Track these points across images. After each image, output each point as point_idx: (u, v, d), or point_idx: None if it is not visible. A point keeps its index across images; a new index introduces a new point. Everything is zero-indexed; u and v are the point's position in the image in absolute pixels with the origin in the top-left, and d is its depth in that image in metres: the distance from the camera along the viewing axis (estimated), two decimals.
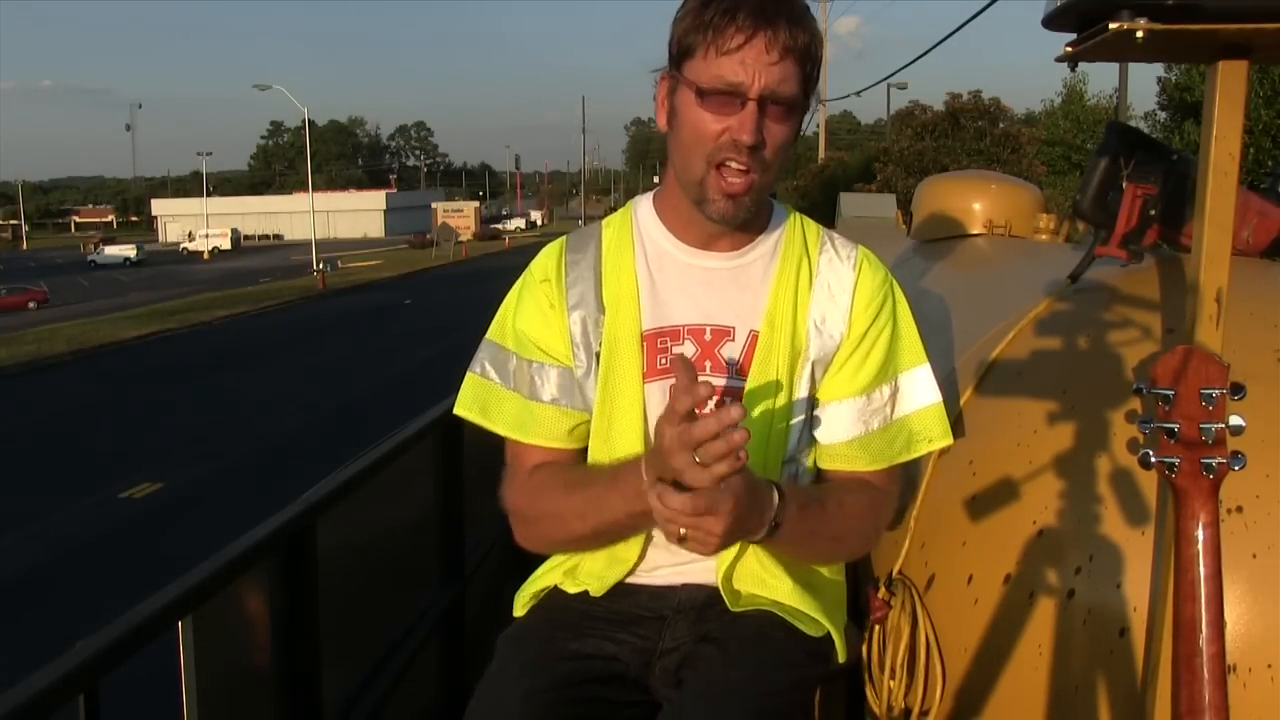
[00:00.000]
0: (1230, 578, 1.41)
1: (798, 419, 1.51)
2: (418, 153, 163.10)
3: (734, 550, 1.48)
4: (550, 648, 1.48)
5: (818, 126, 34.45)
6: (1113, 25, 1.28)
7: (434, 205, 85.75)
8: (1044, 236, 2.87)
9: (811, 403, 1.52)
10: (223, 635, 1.65)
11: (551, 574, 1.60)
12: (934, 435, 1.57)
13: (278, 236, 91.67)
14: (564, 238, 1.61)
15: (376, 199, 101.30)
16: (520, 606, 1.61)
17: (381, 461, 2.24)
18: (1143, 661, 1.60)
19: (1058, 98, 29.16)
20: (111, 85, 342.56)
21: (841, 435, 1.53)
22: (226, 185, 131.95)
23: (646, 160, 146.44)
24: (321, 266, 45.92)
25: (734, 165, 1.39)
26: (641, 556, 1.52)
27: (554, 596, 1.58)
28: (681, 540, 1.23)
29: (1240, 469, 1.32)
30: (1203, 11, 1.27)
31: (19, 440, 15.97)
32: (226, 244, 75.99)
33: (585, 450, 1.55)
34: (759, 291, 1.51)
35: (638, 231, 1.55)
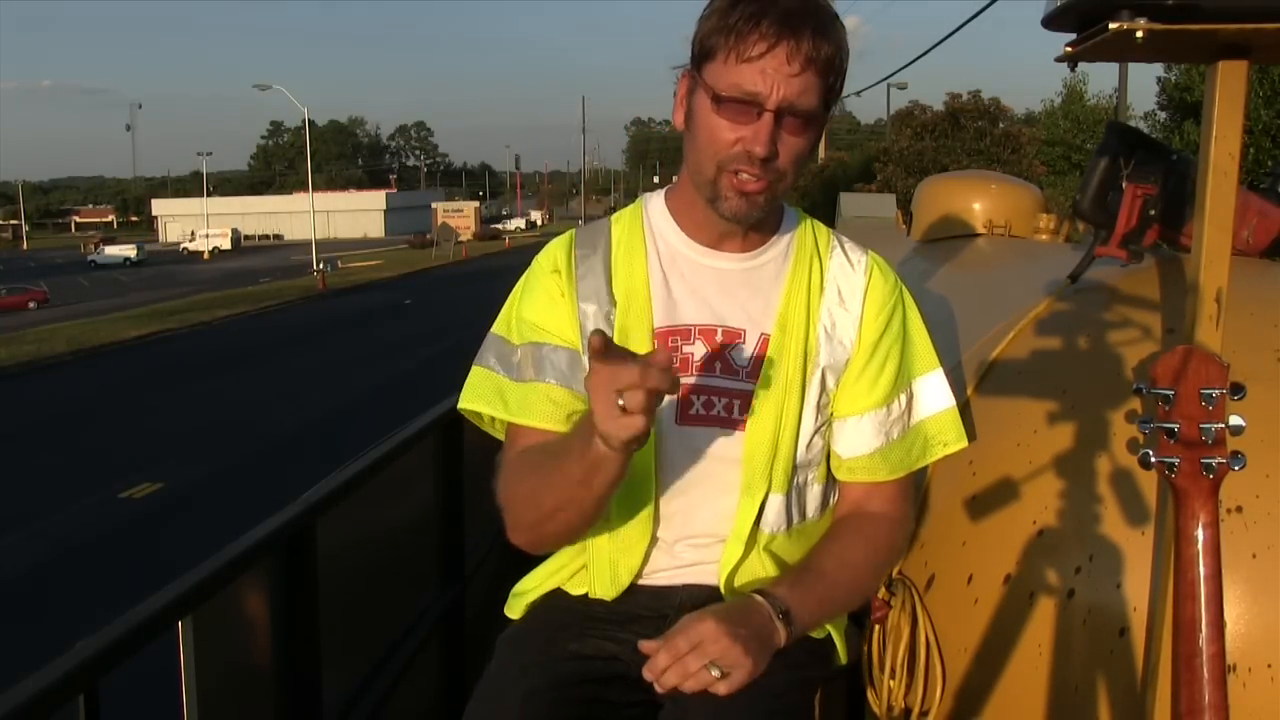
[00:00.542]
0: (1230, 578, 1.41)
1: (807, 424, 1.49)
2: (418, 153, 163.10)
3: (738, 550, 1.47)
4: (551, 648, 1.48)
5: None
6: (1113, 25, 1.28)
7: (434, 205, 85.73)
8: (1044, 236, 2.87)
9: (821, 409, 1.51)
10: (223, 635, 1.65)
11: (551, 579, 1.59)
12: (950, 439, 1.56)
13: (278, 236, 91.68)
14: (571, 232, 1.59)
15: (376, 199, 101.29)
16: (516, 609, 1.61)
17: (381, 461, 2.24)
18: (1143, 661, 1.60)
19: (1058, 98, 29.18)
20: (111, 85, 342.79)
21: (864, 448, 1.51)
22: (226, 185, 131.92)
23: (646, 160, 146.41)
24: (321, 266, 45.92)
25: (745, 175, 1.38)
26: (644, 562, 1.51)
27: (554, 597, 1.57)
28: (723, 678, 1.25)
29: (1240, 469, 1.32)
30: (1203, 11, 1.27)
31: (19, 440, 15.97)
32: (227, 244, 76.02)
33: None
34: (771, 294, 1.50)
35: (649, 229, 1.54)
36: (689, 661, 1.24)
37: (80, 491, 12.71)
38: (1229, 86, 1.47)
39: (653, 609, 1.51)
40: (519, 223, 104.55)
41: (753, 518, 1.47)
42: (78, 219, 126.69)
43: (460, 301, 31.53)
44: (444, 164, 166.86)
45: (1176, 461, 1.33)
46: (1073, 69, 1.52)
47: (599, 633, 1.51)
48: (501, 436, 1.57)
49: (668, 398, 1.47)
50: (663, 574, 1.52)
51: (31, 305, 39.18)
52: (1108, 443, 1.70)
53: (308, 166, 54.75)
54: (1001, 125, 22.45)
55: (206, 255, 72.56)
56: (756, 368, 1.48)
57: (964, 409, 1.90)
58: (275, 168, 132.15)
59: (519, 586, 1.63)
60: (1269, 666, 1.58)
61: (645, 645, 1.27)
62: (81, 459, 14.59)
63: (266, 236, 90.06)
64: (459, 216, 78.93)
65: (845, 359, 1.51)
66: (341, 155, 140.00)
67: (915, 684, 1.85)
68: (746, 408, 1.46)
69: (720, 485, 1.47)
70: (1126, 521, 1.66)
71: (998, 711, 1.76)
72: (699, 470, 1.47)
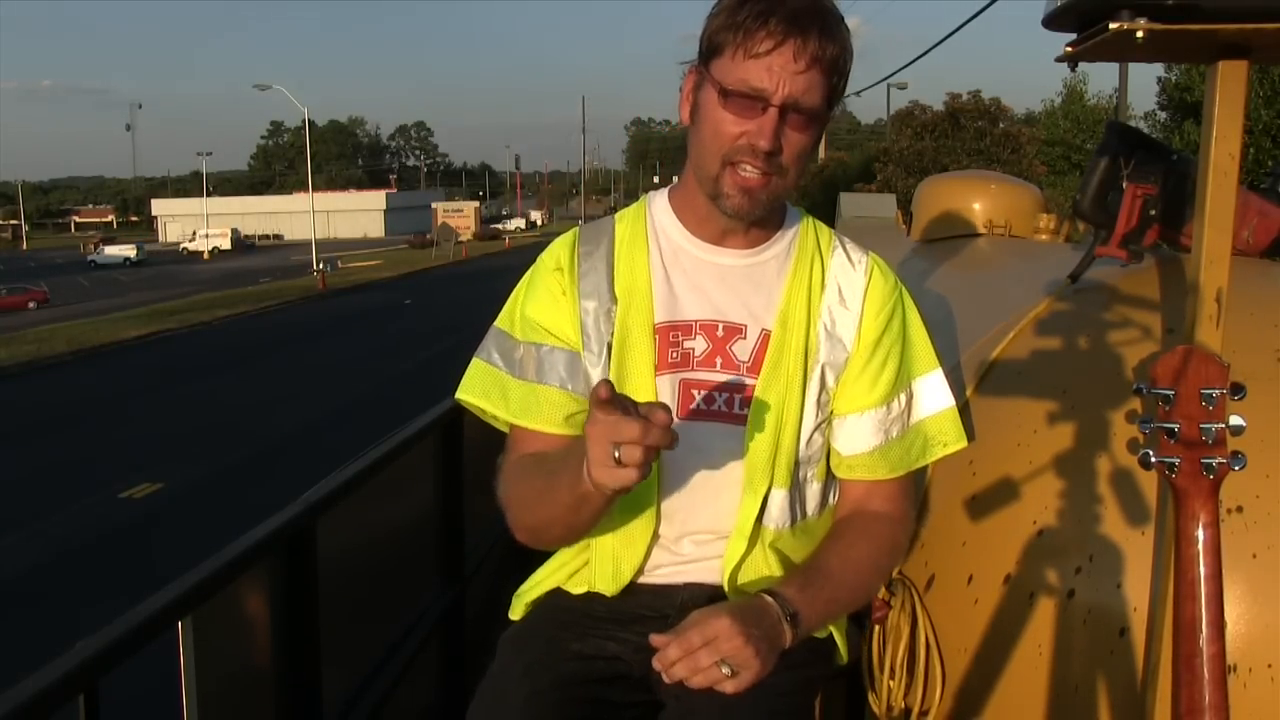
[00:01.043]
0: (1230, 578, 1.41)
1: (808, 421, 1.50)
2: (418, 153, 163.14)
3: (741, 546, 1.47)
4: (553, 648, 1.48)
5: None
6: (1113, 25, 1.28)
7: (434, 205, 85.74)
8: (1044, 236, 2.87)
9: (821, 406, 1.52)
10: (223, 635, 1.65)
11: (552, 577, 1.59)
12: (949, 439, 1.57)
13: (278, 236, 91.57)
14: (576, 229, 1.60)
15: (376, 199, 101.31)
16: (518, 609, 1.61)
17: (381, 461, 2.24)
18: (1143, 661, 1.60)
19: (1058, 98, 29.18)
20: (111, 85, 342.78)
21: (863, 446, 1.52)
22: (226, 185, 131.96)
23: (646, 160, 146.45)
24: (321, 266, 45.91)
25: (748, 169, 1.40)
26: (646, 558, 1.52)
27: (556, 597, 1.58)
28: (732, 677, 1.24)
29: (1240, 469, 1.32)
30: (1203, 11, 1.28)
31: (19, 440, 15.96)
32: (227, 244, 76.04)
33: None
34: (772, 291, 1.52)
35: (652, 225, 1.56)
36: (701, 656, 1.24)
37: (80, 491, 12.70)
38: (1229, 86, 1.47)
39: (655, 609, 1.52)
40: (519, 223, 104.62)
41: (755, 513, 1.47)
42: (78, 219, 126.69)
43: (460, 301, 31.54)
44: (444, 164, 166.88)
45: (1176, 461, 1.33)
46: (1073, 69, 1.52)
47: (601, 633, 1.51)
48: (501, 426, 1.58)
49: (666, 392, 1.48)
50: (664, 571, 1.52)
51: (31, 305, 39.17)
52: (1108, 443, 1.70)
53: (308, 166, 54.71)
54: (1001, 125, 22.44)
55: (206, 255, 72.57)
56: (757, 363, 1.49)
57: (964, 409, 1.90)
58: (275, 168, 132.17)
59: (521, 587, 1.63)
60: (1269, 666, 1.58)
61: (656, 639, 1.27)
62: (81, 459, 14.59)
63: (266, 236, 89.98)
64: (459, 216, 78.94)
65: (845, 357, 1.52)
66: (341, 155, 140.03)
67: (915, 684, 1.85)
68: (747, 403, 1.48)
69: (722, 481, 1.48)
70: (1126, 521, 1.66)
71: (998, 711, 1.76)
72: (700, 466, 1.48)
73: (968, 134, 22.09)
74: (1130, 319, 1.83)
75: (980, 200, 2.93)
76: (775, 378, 1.48)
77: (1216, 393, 1.32)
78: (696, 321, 1.50)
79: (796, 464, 1.50)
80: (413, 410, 2.80)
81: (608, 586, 1.52)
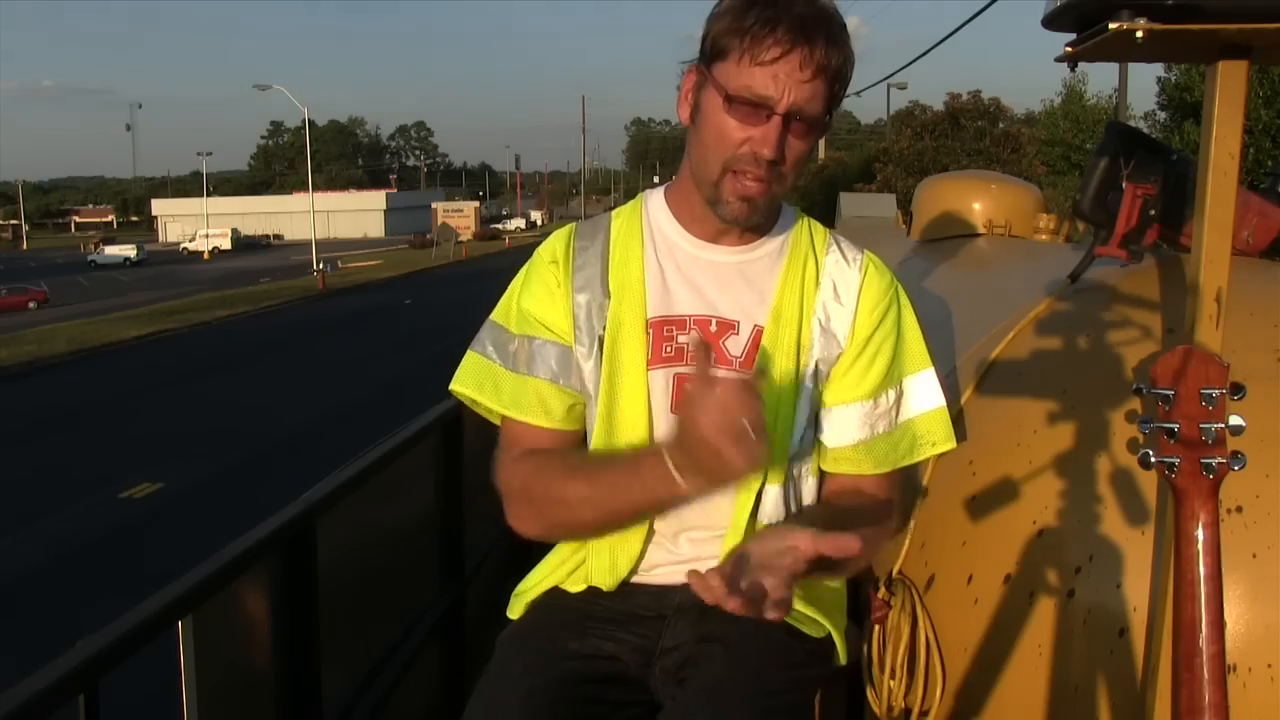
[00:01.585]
0: (1230, 578, 1.41)
1: (801, 416, 1.51)
2: (418, 153, 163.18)
3: (736, 542, 1.47)
4: (551, 647, 1.48)
5: None
6: (1113, 25, 1.28)
7: (434, 205, 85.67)
8: (1044, 236, 2.87)
9: (815, 401, 1.53)
10: (223, 635, 1.65)
11: (551, 576, 1.60)
12: (938, 439, 1.57)
13: (278, 236, 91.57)
14: (573, 224, 1.62)
15: (376, 199, 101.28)
16: (516, 609, 1.61)
17: (381, 461, 2.24)
18: (1143, 661, 1.61)
19: (1058, 98, 29.10)
20: (111, 85, 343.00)
21: (847, 439, 1.53)
22: (226, 185, 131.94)
23: (646, 160, 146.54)
24: (321, 266, 45.91)
25: (750, 176, 1.40)
26: (642, 555, 1.52)
27: (554, 596, 1.58)
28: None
29: (1240, 469, 1.32)
30: (1203, 11, 1.28)
31: (19, 440, 15.96)
32: (227, 244, 76.05)
33: (581, 434, 1.55)
34: (765, 287, 1.52)
35: (647, 222, 1.57)
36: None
37: (80, 491, 12.70)
38: (1229, 86, 1.47)
39: (652, 609, 1.52)
40: (519, 222, 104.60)
41: (750, 509, 1.48)
42: (78, 219, 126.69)
43: (460, 301, 31.49)
44: (444, 164, 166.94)
45: (1176, 461, 1.33)
46: (1073, 69, 1.52)
47: (599, 633, 1.51)
48: (493, 419, 1.59)
49: (660, 387, 1.48)
50: (662, 571, 1.52)
51: (31, 305, 39.16)
52: (1108, 443, 1.70)
53: (308, 167, 54.68)
54: (1001, 125, 22.45)
55: (206, 255, 72.60)
56: (750, 358, 1.49)
57: (963, 409, 1.90)
58: (275, 168, 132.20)
59: (519, 586, 1.63)
60: (1269, 666, 1.58)
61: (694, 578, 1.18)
62: (81, 459, 14.59)
63: (266, 236, 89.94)
64: (459, 216, 78.94)
65: (839, 353, 1.52)
66: (341, 155, 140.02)
67: (915, 684, 1.85)
68: None
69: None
70: (1126, 521, 1.66)
71: (998, 711, 1.76)
72: None
73: (968, 134, 22.08)
74: (1130, 319, 1.83)
75: (980, 200, 2.94)
76: (768, 373, 1.48)
77: (1216, 393, 1.32)
78: (690, 317, 1.50)
79: (790, 459, 1.51)
80: (413, 410, 2.80)
81: (605, 581, 1.52)
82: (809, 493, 1.56)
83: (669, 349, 1.50)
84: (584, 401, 1.53)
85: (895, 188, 18.52)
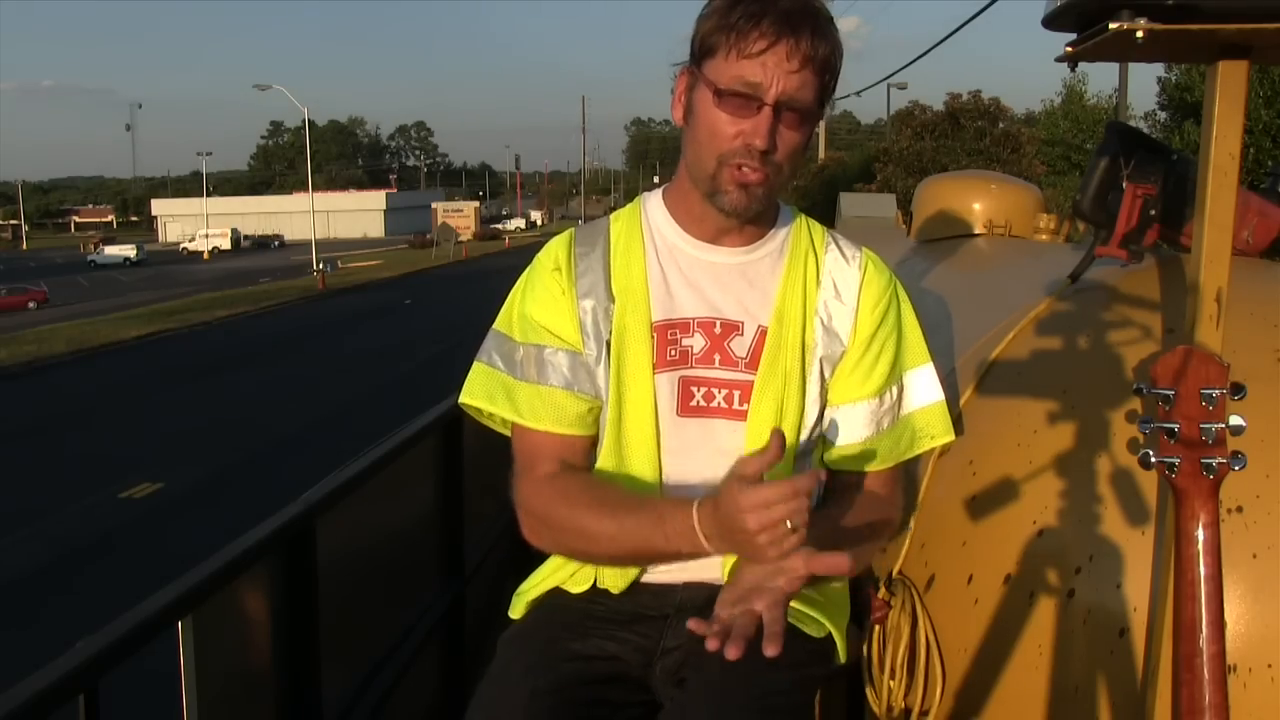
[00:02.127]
0: (1230, 578, 1.41)
1: (807, 414, 1.52)
2: (418, 153, 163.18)
3: (734, 569, 1.47)
4: (552, 648, 1.48)
5: (818, 126, 34.31)
6: (1113, 25, 1.28)
7: (434, 205, 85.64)
8: (1044, 236, 2.87)
9: (820, 399, 1.53)
10: (223, 635, 1.65)
11: (553, 577, 1.59)
12: (936, 432, 1.60)
13: (278, 236, 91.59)
14: (570, 230, 1.62)
15: (376, 199, 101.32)
16: (518, 609, 1.61)
17: (381, 461, 2.24)
18: (1143, 661, 1.60)
19: (1058, 98, 29.12)
20: (111, 85, 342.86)
21: (855, 437, 1.55)
22: (226, 185, 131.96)
23: (646, 160, 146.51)
24: (321, 266, 45.89)
25: (745, 167, 1.41)
26: None
27: (555, 597, 1.58)
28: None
29: (1240, 469, 1.32)
30: (1203, 11, 1.28)
31: (19, 440, 15.96)
32: (227, 244, 76.04)
33: (594, 438, 1.55)
34: (767, 287, 1.53)
35: (647, 225, 1.57)
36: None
37: (80, 491, 12.70)
38: (1229, 86, 1.47)
39: (654, 608, 1.52)
40: (519, 223, 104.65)
41: None
42: (77, 219, 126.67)
43: (460, 301, 31.53)
44: (444, 164, 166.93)
45: (1176, 461, 1.33)
46: (1073, 69, 1.52)
47: (600, 633, 1.51)
48: (502, 430, 1.59)
49: (666, 390, 1.49)
50: (664, 570, 1.52)
51: (31, 305, 39.14)
52: (1108, 443, 1.70)
53: (308, 166, 54.64)
54: (1001, 125, 22.42)
55: (206, 255, 72.58)
56: (755, 359, 1.50)
57: (963, 409, 1.90)
58: (275, 168, 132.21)
59: (521, 586, 1.63)
60: (1269, 666, 1.58)
61: (695, 625, 1.25)
62: (81, 459, 14.58)
63: (276, 236, 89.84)
64: (459, 216, 78.90)
65: (841, 351, 1.54)
66: (341, 155, 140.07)
67: (915, 684, 1.85)
68: (747, 398, 1.49)
69: (722, 476, 1.48)
70: (1126, 521, 1.66)
71: (998, 711, 1.76)
72: (701, 461, 1.49)
73: (968, 134, 22.06)
74: (1130, 319, 1.83)
75: (980, 200, 2.94)
76: (773, 373, 1.49)
77: (1216, 393, 1.32)
78: (694, 319, 1.51)
79: (796, 458, 1.52)
80: (413, 410, 2.80)
81: (614, 584, 1.53)
82: (815, 491, 1.56)
83: (673, 352, 1.50)
84: (598, 406, 1.53)
85: (895, 188, 18.51)
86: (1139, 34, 1.28)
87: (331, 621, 1.92)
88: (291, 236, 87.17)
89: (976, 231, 2.91)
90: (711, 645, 1.20)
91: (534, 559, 1.65)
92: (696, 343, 1.50)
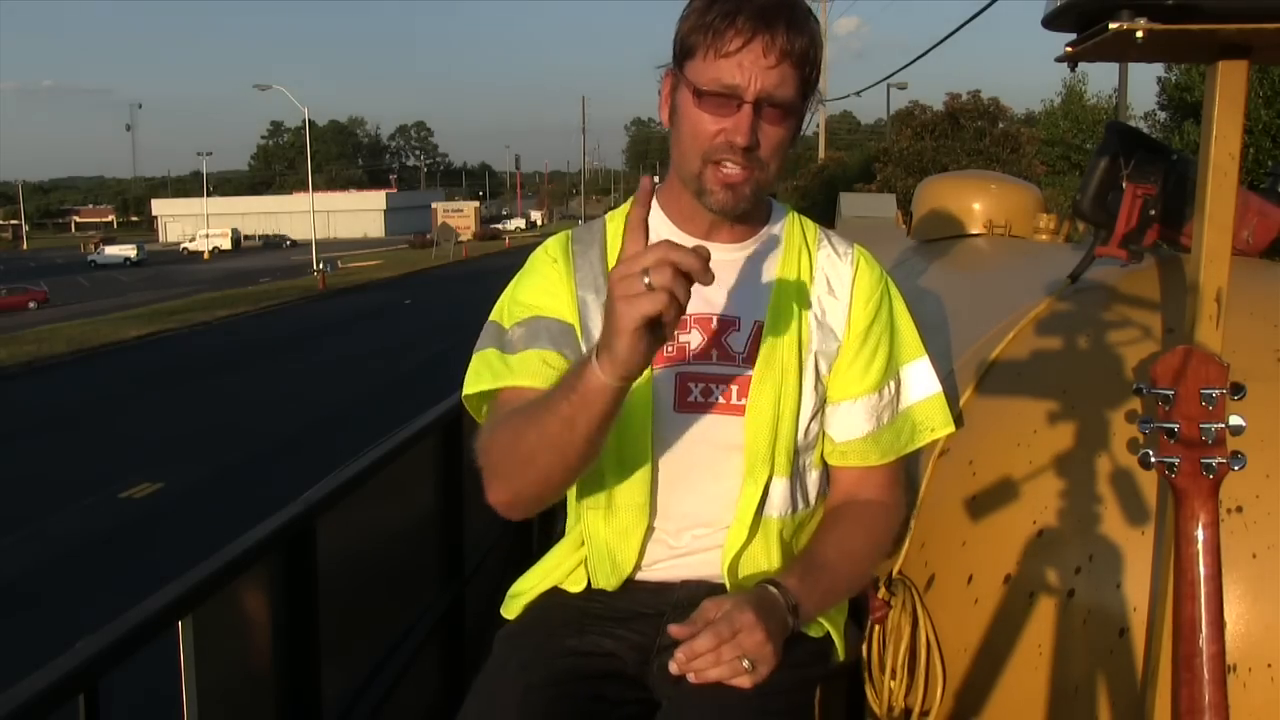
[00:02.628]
0: (1230, 578, 1.41)
1: (805, 409, 1.52)
2: (418, 153, 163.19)
3: (741, 536, 1.48)
4: (549, 645, 1.48)
5: (818, 127, 34.38)
6: (1113, 25, 1.28)
7: (434, 205, 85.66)
8: (1044, 236, 2.87)
9: (816, 393, 1.54)
10: (223, 635, 1.65)
11: (549, 576, 1.60)
12: (936, 424, 1.61)
13: (278, 236, 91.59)
14: (568, 230, 1.63)
15: (376, 199, 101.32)
16: (513, 609, 1.61)
17: (381, 461, 2.24)
18: (1143, 661, 1.60)
19: (1058, 98, 29.09)
20: (111, 85, 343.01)
21: (856, 432, 1.56)
22: (226, 185, 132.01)
23: (646, 160, 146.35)
24: (321, 266, 45.89)
25: (729, 165, 1.42)
26: (642, 551, 1.52)
27: (551, 595, 1.58)
28: (750, 671, 1.27)
29: (1240, 469, 1.32)
30: (1203, 11, 1.28)
31: (19, 440, 15.96)
32: (227, 244, 76.04)
33: None
34: (762, 283, 1.54)
35: None
36: (725, 650, 1.25)
37: (80, 491, 12.69)
38: (1229, 86, 1.47)
39: (651, 606, 1.52)
40: (519, 223, 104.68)
41: (756, 502, 1.49)
42: (78, 219, 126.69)
43: (460, 301, 31.49)
44: (444, 164, 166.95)
45: (1176, 461, 1.33)
46: (1073, 69, 1.52)
47: (597, 630, 1.51)
48: (499, 385, 1.54)
49: (664, 386, 1.48)
50: (662, 567, 1.53)
51: (31, 305, 39.13)
52: (1108, 443, 1.70)
53: (308, 166, 54.66)
54: (1001, 125, 22.44)
55: (206, 255, 72.58)
56: (752, 354, 1.50)
57: (963, 408, 1.90)
58: (275, 168, 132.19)
59: (515, 587, 1.63)
60: (1269, 666, 1.58)
61: (677, 629, 1.28)
62: (81, 459, 14.58)
63: (267, 236, 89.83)
64: (459, 216, 78.93)
65: (836, 346, 1.55)
66: (341, 155, 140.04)
67: (915, 684, 1.85)
68: (745, 393, 1.49)
69: (720, 471, 1.49)
70: (1126, 521, 1.66)
71: (998, 711, 1.76)
72: (698, 457, 1.49)
73: (967, 134, 22.08)
74: (1130, 319, 1.83)
75: (980, 200, 2.93)
76: (771, 368, 1.49)
77: (1216, 393, 1.32)
78: (690, 315, 1.51)
79: (795, 452, 1.52)
80: (413, 410, 2.80)
81: (608, 582, 1.53)
82: (814, 485, 1.58)
83: (670, 348, 1.50)
84: None
85: (895, 188, 18.52)
86: (1139, 34, 1.28)
87: (331, 621, 1.92)
88: (292, 236, 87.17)
89: (976, 231, 2.91)
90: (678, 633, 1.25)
91: (533, 559, 1.65)
92: (693, 339, 1.51)
